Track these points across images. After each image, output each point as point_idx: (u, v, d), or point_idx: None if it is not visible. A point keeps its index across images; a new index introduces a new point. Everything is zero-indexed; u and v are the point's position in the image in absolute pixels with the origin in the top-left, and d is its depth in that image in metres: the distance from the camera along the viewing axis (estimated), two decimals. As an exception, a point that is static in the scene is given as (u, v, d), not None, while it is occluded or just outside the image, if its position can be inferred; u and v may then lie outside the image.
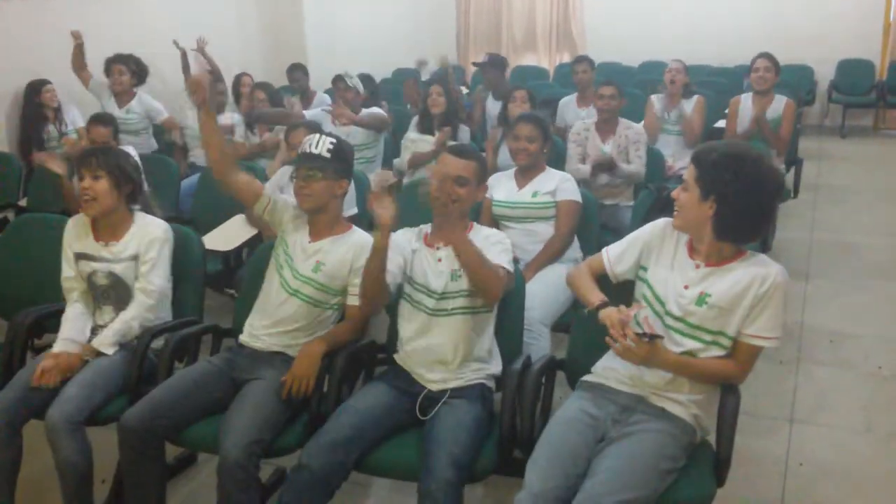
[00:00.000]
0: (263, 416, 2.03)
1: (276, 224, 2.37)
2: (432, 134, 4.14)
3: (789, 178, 4.34)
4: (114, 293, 2.41)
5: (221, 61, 5.36)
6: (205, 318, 2.58)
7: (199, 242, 2.63)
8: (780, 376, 3.13)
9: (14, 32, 4.76)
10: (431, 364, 2.14)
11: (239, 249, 3.39)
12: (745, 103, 4.46)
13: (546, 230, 2.94)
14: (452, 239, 2.06)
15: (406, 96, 5.91)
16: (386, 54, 7.85)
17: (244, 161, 3.88)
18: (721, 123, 4.87)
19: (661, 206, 3.05)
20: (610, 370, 1.99)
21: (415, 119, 4.43)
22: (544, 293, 2.68)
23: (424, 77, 6.28)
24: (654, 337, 1.79)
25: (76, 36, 4.72)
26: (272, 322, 2.28)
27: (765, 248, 3.92)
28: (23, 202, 4.07)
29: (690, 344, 1.87)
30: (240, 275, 3.12)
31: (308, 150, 2.25)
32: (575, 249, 2.99)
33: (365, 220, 3.43)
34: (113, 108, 4.61)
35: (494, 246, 2.15)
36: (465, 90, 6.39)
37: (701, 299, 1.85)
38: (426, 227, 2.27)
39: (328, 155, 2.23)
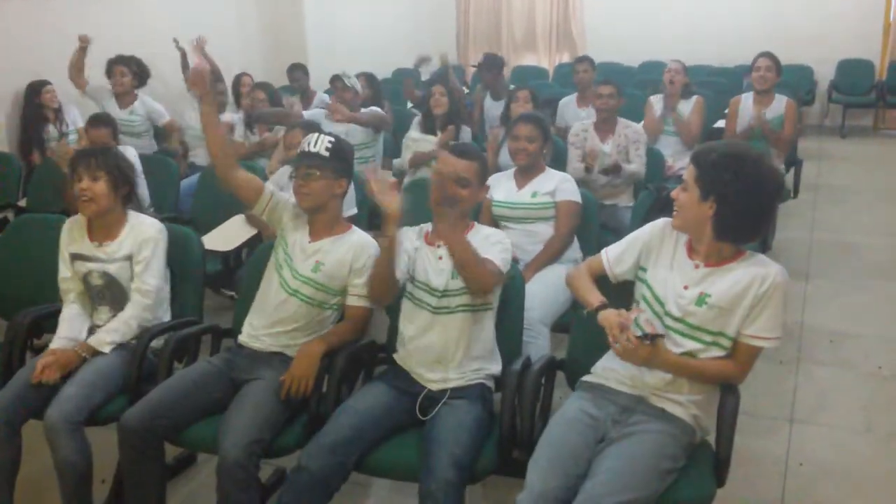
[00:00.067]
0: (263, 416, 2.03)
1: (276, 223, 2.37)
2: (434, 134, 4.14)
3: (789, 178, 4.34)
4: (109, 293, 2.41)
5: (221, 61, 5.35)
6: (204, 319, 2.58)
7: (199, 242, 2.63)
8: (780, 376, 3.13)
9: (14, 32, 4.76)
10: (432, 363, 2.13)
11: (238, 249, 3.39)
12: (746, 103, 4.45)
13: (546, 230, 2.94)
14: (443, 233, 2.07)
15: (406, 94, 5.92)
16: (386, 54, 7.85)
17: (244, 160, 3.88)
18: (721, 123, 4.87)
19: (660, 206, 3.05)
20: (610, 370, 1.99)
21: (417, 118, 4.43)
22: (544, 293, 2.68)
23: (425, 77, 6.26)
24: (655, 337, 1.79)
25: (84, 40, 4.71)
26: (271, 322, 2.28)
27: (765, 247, 3.93)
28: (22, 202, 4.07)
29: (690, 344, 1.87)
30: (239, 275, 3.12)
31: (307, 149, 2.25)
32: (575, 250, 2.99)
33: (364, 220, 3.44)
34: (114, 110, 4.58)
35: (494, 246, 2.15)
36: (465, 90, 6.38)
37: (701, 299, 1.85)
38: (427, 226, 2.27)
39: (327, 154, 2.23)
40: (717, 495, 1.81)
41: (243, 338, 2.33)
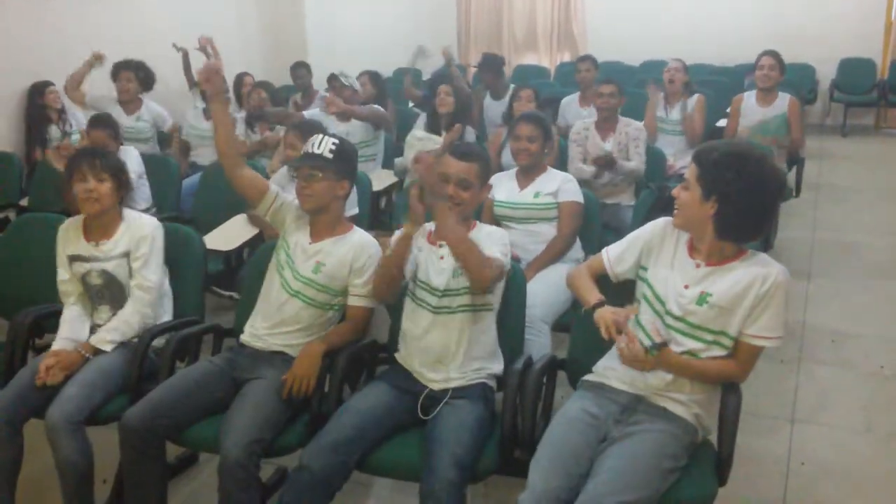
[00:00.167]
0: (264, 415, 2.03)
1: (279, 224, 2.37)
2: (439, 133, 4.13)
3: (791, 177, 4.34)
4: (108, 292, 2.41)
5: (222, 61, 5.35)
6: (206, 318, 2.58)
7: (201, 242, 2.63)
8: (781, 376, 3.13)
9: (14, 32, 4.76)
10: (433, 363, 2.13)
11: (240, 249, 3.39)
12: (748, 102, 4.46)
13: (548, 231, 2.94)
14: (441, 224, 2.06)
15: (406, 94, 5.91)
16: (386, 54, 7.84)
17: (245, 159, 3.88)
18: (723, 122, 4.87)
19: (662, 205, 3.05)
20: (611, 370, 1.99)
21: (422, 117, 4.43)
22: (545, 292, 2.68)
23: (424, 72, 6.24)
24: (661, 346, 1.79)
25: (97, 57, 4.70)
26: (273, 323, 2.28)
27: (767, 246, 3.92)
28: (24, 202, 4.07)
29: (691, 344, 1.87)
30: (240, 275, 3.12)
31: (310, 151, 2.25)
32: (577, 249, 2.99)
33: (366, 220, 3.44)
34: (121, 118, 4.49)
35: (496, 244, 2.15)
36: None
37: (702, 299, 1.84)
38: (429, 226, 2.26)
39: (330, 156, 2.23)
40: (718, 494, 1.81)
41: (245, 337, 2.33)
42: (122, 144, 3.73)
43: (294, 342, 2.25)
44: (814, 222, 5.12)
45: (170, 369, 2.24)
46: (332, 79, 4.38)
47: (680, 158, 4.39)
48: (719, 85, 6.15)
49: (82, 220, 2.45)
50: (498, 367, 2.18)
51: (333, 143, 2.26)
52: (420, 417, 2.06)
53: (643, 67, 7.87)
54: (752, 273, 1.82)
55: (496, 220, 2.97)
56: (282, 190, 2.45)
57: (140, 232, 2.42)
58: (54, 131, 4.69)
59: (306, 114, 4.40)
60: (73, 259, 2.42)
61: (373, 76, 5.02)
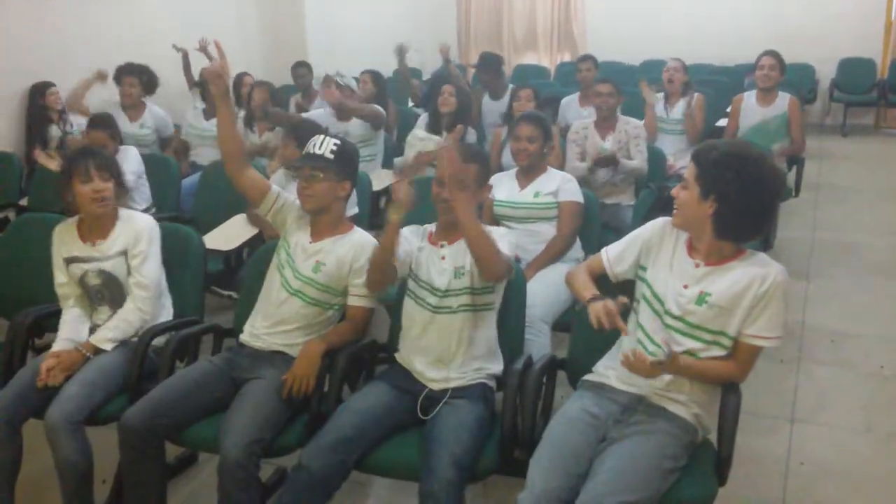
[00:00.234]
0: (264, 415, 2.03)
1: (280, 224, 2.37)
2: (440, 134, 4.13)
3: (790, 176, 4.34)
4: (107, 292, 2.41)
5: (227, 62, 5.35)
6: (205, 318, 2.58)
7: (200, 242, 2.63)
8: (781, 375, 3.13)
9: (14, 32, 4.76)
10: (433, 363, 2.14)
11: (240, 249, 3.39)
12: (748, 101, 4.46)
13: (548, 230, 2.94)
14: (463, 216, 1.99)
15: (401, 88, 5.91)
16: (386, 54, 7.81)
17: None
18: (723, 122, 4.87)
19: (662, 205, 3.06)
20: (611, 370, 1.99)
21: (423, 117, 4.42)
22: (545, 292, 2.68)
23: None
24: (671, 356, 1.78)
25: (100, 75, 4.69)
26: (273, 322, 2.28)
27: (766, 246, 3.93)
28: (24, 202, 4.07)
29: (690, 343, 1.87)
30: (240, 275, 3.12)
31: (311, 151, 2.25)
32: (577, 249, 2.99)
33: (366, 220, 3.44)
34: (125, 125, 4.45)
35: (502, 240, 2.14)
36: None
37: (700, 298, 1.84)
38: (430, 226, 2.27)
39: (331, 156, 2.23)
40: (718, 494, 1.81)
41: (245, 337, 2.33)
42: (121, 144, 3.73)
43: (293, 341, 2.25)
44: (813, 222, 5.12)
45: (169, 369, 2.24)
46: (327, 80, 4.36)
47: (680, 158, 4.39)
48: (719, 85, 6.15)
49: (76, 221, 2.45)
50: (498, 367, 2.18)
51: (335, 144, 2.26)
52: (419, 417, 2.06)
53: (643, 67, 7.87)
54: (751, 273, 1.82)
55: (496, 220, 2.98)
56: (282, 190, 2.45)
57: (137, 229, 2.42)
58: (54, 131, 4.69)
59: (311, 113, 4.40)
60: (70, 261, 2.42)
61: (374, 75, 5.02)
